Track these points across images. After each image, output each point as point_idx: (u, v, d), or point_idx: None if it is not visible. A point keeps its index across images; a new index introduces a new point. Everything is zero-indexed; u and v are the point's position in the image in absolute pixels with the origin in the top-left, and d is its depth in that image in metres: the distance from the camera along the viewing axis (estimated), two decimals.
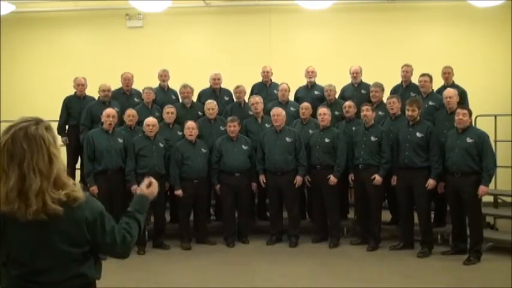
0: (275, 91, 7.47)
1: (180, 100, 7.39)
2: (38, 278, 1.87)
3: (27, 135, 1.82)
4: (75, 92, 7.39)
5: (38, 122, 1.88)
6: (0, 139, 1.83)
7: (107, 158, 6.22)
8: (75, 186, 1.89)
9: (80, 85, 7.34)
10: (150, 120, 6.44)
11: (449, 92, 6.25)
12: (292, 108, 7.06)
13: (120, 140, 6.36)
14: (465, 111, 5.73)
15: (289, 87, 7.23)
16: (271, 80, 7.56)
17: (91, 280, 1.99)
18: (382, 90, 6.85)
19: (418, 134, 5.99)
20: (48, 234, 1.85)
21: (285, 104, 7.08)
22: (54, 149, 1.87)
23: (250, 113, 7.09)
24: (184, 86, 7.15)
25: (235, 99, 7.35)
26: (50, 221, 1.82)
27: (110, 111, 6.36)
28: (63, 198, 1.82)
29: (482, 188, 5.59)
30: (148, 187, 2.23)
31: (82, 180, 6.59)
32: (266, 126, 6.86)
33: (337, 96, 7.20)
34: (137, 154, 6.32)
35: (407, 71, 6.97)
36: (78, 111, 7.21)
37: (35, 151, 1.81)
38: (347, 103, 6.74)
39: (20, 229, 1.83)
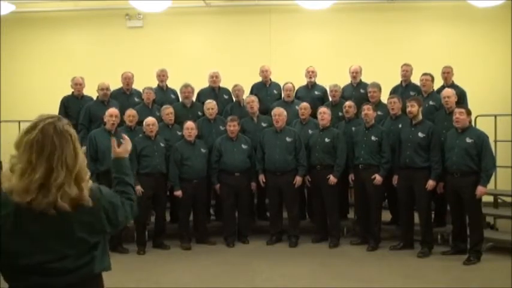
0: (275, 91, 7.48)
1: (180, 100, 7.39)
2: (53, 266, 1.88)
3: (56, 130, 1.88)
4: (73, 92, 7.38)
5: (60, 118, 1.95)
6: (26, 135, 1.86)
7: (109, 159, 6.18)
8: (87, 183, 1.93)
9: (78, 85, 7.33)
10: (150, 119, 6.45)
11: (448, 91, 6.26)
12: (297, 108, 7.03)
13: (122, 141, 6.33)
14: (462, 110, 5.73)
15: (294, 87, 7.23)
16: (270, 80, 7.56)
17: (101, 269, 2.02)
18: (380, 90, 6.86)
19: (420, 134, 5.99)
20: (70, 224, 1.88)
21: (290, 104, 7.08)
22: (78, 144, 1.95)
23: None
24: (186, 86, 7.15)
25: (234, 99, 7.35)
26: (71, 213, 1.85)
27: (113, 111, 6.36)
28: (74, 194, 1.85)
29: (480, 189, 5.59)
30: (119, 145, 2.27)
31: None
32: (262, 126, 6.86)
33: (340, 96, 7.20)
34: (139, 154, 6.33)
35: (406, 70, 6.98)
36: (76, 111, 7.19)
37: (64, 145, 1.87)
38: (347, 103, 6.74)
39: (41, 220, 1.85)
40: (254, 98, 6.98)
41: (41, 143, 1.84)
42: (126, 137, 2.31)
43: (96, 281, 2.02)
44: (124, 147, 2.27)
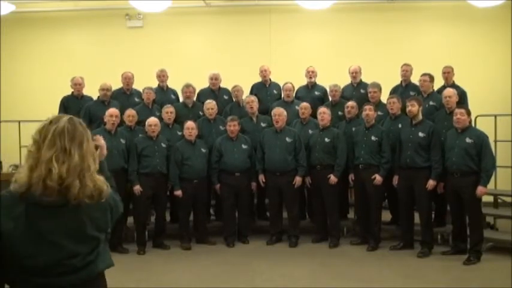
0: (274, 91, 7.48)
1: (180, 100, 7.40)
2: (65, 263, 1.87)
3: (81, 123, 1.96)
4: (73, 92, 7.38)
5: (75, 117, 2.00)
6: (52, 126, 1.89)
7: (109, 159, 6.18)
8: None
9: (77, 85, 7.33)
10: (152, 120, 6.45)
11: (449, 91, 6.26)
12: (297, 107, 7.02)
13: (123, 141, 6.37)
14: (463, 110, 5.73)
15: (293, 87, 7.23)
16: (270, 80, 7.56)
17: (104, 268, 2.03)
18: (380, 90, 6.86)
19: (420, 134, 5.99)
20: (83, 222, 1.90)
21: (290, 104, 7.08)
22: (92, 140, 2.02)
23: None
24: (187, 86, 7.15)
25: (234, 99, 7.35)
26: (83, 208, 1.88)
27: (113, 111, 6.36)
28: (101, 185, 1.92)
29: (480, 189, 5.59)
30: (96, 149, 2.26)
31: None
32: (262, 126, 6.86)
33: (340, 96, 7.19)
34: (140, 154, 6.33)
35: (406, 70, 6.98)
36: (76, 111, 7.14)
37: (89, 138, 1.95)
38: (349, 103, 6.73)
39: (49, 216, 1.85)
40: (254, 98, 6.98)
41: (72, 131, 1.89)
42: (102, 140, 2.30)
43: (99, 280, 2.02)
44: (100, 152, 2.24)
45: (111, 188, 2.11)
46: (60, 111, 7.26)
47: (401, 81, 7.06)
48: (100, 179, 1.94)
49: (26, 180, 1.82)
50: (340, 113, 6.94)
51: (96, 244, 1.96)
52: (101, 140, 2.29)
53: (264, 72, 7.47)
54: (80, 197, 1.85)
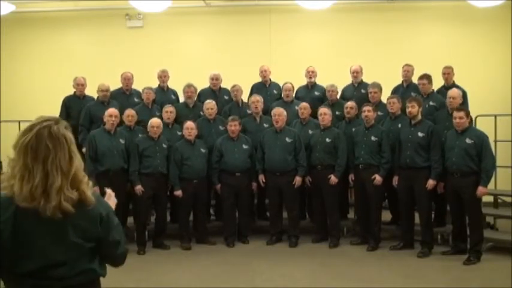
0: (275, 91, 7.47)
1: (181, 100, 7.40)
2: (50, 273, 1.88)
3: (51, 134, 1.87)
4: (75, 92, 7.39)
5: (57, 121, 1.93)
6: (22, 137, 1.87)
7: (109, 159, 6.22)
8: (88, 185, 1.93)
9: (80, 85, 7.34)
10: (155, 121, 6.44)
11: (454, 92, 6.25)
12: (296, 108, 7.01)
13: (122, 141, 6.37)
14: (461, 113, 5.71)
15: (293, 87, 7.23)
16: (270, 80, 7.56)
17: (97, 276, 2.02)
18: (381, 90, 6.85)
19: (419, 134, 5.99)
20: (65, 228, 1.88)
21: (289, 104, 7.08)
22: (74, 147, 1.94)
23: (249, 112, 7.10)
24: (189, 86, 7.15)
25: (233, 99, 7.35)
26: (67, 216, 1.85)
27: (113, 111, 6.36)
28: (75, 197, 1.86)
29: (480, 189, 5.59)
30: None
31: None
32: (265, 126, 6.86)
33: (338, 96, 7.19)
34: (141, 154, 6.33)
35: (408, 70, 6.97)
36: (77, 111, 7.20)
37: (58, 150, 1.87)
38: (348, 103, 6.73)
39: (39, 224, 1.86)
40: (259, 98, 6.95)
41: (35, 147, 1.84)
42: (110, 192, 2.27)
43: (93, 285, 2.02)
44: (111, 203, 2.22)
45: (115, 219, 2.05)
46: (62, 111, 7.29)
47: (402, 82, 7.06)
48: (75, 193, 1.86)
49: (8, 188, 1.84)
50: (337, 112, 6.93)
51: (84, 253, 1.93)
52: (110, 193, 2.26)
53: (264, 73, 7.46)
54: (51, 214, 1.82)
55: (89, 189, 1.92)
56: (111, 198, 2.23)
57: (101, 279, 2.08)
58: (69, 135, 1.93)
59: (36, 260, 1.87)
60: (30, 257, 1.87)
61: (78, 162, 1.92)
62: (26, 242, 1.86)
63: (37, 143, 1.85)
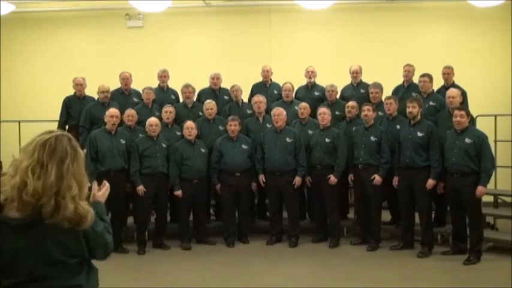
0: (275, 91, 7.47)
1: (181, 100, 7.40)
2: (34, 287, 1.84)
3: (70, 142, 1.86)
4: (75, 92, 7.39)
5: (70, 136, 1.91)
6: (39, 137, 1.83)
7: (109, 159, 6.22)
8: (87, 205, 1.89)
9: (79, 85, 7.33)
10: (153, 120, 6.45)
11: (453, 92, 6.25)
12: (296, 108, 7.01)
13: (123, 141, 6.37)
14: (462, 112, 5.72)
15: (293, 87, 7.23)
16: (271, 80, 7.56)
17: None
18: (382, 90, 6.85)
19: (419, 134, 5.99)
20: (48, 244, 1.83)
21: (289, 104, 7.07)
22: (84, 167, 1.91)
23: (249, 111, 7.09)
24: (186, 86, 7.15)
25: (233, 99, 7.35)
26: (50, 232, 1.80)
27: (114, 112, 6.36)
28: (85, 211, 1.82)
29: (480, 189, 5.59)
30: (99, 189, 2.20)
31: None
32: (267, 126, 6.85)
33: (337, 96, 7.19)
34: (141, 155, 6.33)
35: (409, 70, 6.96)
36: (78, 111, 7.21)
37: (74, 158, 1.84)
38: (350, 103, 6.72)
39: (23, 237, 1.81)
40: (262, 98, 6.94)
41: (53, 146, 1.81)
42: (107, 184, 2.23)
43: None
44: (103, 192, 2.18)
45: (99, 221, 2.00)
46: (62, 111, 7.29)
47: (403, 82, 7.05)
48: (85, 207, 1.83)
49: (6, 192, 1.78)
50: (337, 112, 6.93)
51: (68, 268, 1.88)
52: (106, 184, 2.21)
53: (266, 73, 7.47)
54: (54, 218, 1.77)
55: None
56: (106, 193, 2.18)
57: (101, 279, 2.07)
58: (83, 154, 1.91)
59: (18, 275, 1.83)
60: (12, 272, 1.82)
61: (86, 182, 1.89)
62: (8, 256, 1.81)
63: (56, 143, 1.82)
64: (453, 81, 6.83)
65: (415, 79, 6.94)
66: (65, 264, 1.87)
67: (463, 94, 6.64)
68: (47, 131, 1.88)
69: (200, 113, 7.07)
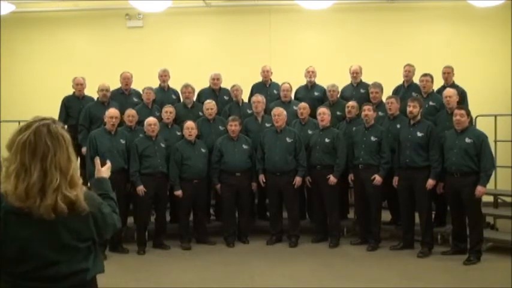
0: (275, 91, 7.47)
1: (181, 100, 7.39)
2: (45, 272, 1.87)
3: (50, 132, 1.85)
4: (74, 92, 7.39)
5: (55, 120, 1.92)
6: (19, 135, 1.84)
7: (109, 159, 6.17)
8: (82, 190, 1.91)
9: (79, 85, 7.33)
10: (151, 119, 6.45)
11: (449, 91, 6.25)
12: (294, 108, 7.01)
13: (123, 141, 6.36)
14: (463, 111, 5.72)
15: (291, 87, 7.23)
16: (271, 80, 7.56)
17: (94, 274, 2.01)
18: (382, 90, 6.85)
19: (418, 134, 5.99)
20: (58, 230, 1.87)
21: (287, 104, 7.08)
22: (72, 149, 1.92)
23: (249, 111, 7.09)
24: (186, 86, 7.15)
25: (233, 99, 7.35)
26: (59, 218, 1.83)
27: (114, 112, 6.36)
28: (73, 198, 1.84)
29: (479, 189, 5.59)
30: (102, 166, 2.27)
31: (83, 180, 6.59)
32: (266, 126, 6.85)
33: (338, 96, 7.19)
34: (140, 155, 6.33)
35: (409, 70, 6.96)
36: (77, 111, 7.20)
37: (57, 148, 1.84)
38: (350, 103, 6.72)
39: (31, 224, 1.83)
40: (261, 98, 6.94)
41: (33, 144, 1.81)
42: (108, 162, 2.31)
43: (90, 285, 2.01)
44: (106, 168, 2.25)
45: (111, 201, 2.08)
46: (61, 111, 7.28)
47: (403, 82, 7.05)
48: (74, 193, 1.85)
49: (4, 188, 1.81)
50: (338, 113, 6.94)
51: (79, 253, 1.92)
52: (108, 163, 2.29)
53: (266, 73, 7.47)
54: (44, 213, 1.80)
55: (82, 193, 1.90)
56: (108, 171, 2.24)
57: (101, 279, 2.08)
58: (67, 135, 1.91)
59: (29, 261, 1.85)
60: (22, 259, 1.85)
61: (75, 164, 1.91)
62: (18, 244, 1.84)
63: (36, 140, 1.82)
64: (453, 81, 6.82)
65: (415, 79, 6.94)
66: (76, 248, 1.91)
67: (463, 94, 6.65)
68: (25, 125, 1.87)
69: (200, 113, 7.07)
